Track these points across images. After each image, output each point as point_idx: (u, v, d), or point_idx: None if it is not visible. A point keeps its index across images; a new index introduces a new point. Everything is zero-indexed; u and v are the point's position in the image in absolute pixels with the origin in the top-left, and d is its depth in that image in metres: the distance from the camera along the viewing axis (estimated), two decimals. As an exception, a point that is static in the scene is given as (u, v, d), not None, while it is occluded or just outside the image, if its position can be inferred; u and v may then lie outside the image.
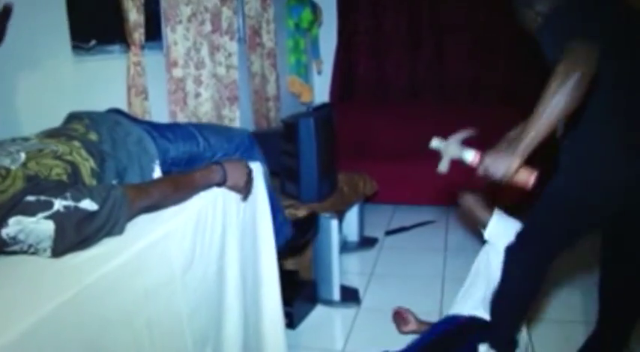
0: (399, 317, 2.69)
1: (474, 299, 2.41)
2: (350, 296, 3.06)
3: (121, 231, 1.35)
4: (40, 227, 1.21)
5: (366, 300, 3.05)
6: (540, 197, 1.88)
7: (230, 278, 1.81)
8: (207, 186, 1.71)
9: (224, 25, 3.16)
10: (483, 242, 2.45)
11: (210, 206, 1.69)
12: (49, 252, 1.23)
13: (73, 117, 1.68)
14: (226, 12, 3.16)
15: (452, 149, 1.81)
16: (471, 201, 2.47)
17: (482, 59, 4.98)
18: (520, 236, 2.00)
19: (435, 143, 1.86)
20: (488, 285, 2.33)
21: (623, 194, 1.76)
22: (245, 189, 1.84)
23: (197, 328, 1.58)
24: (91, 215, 1.27)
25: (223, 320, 1.77)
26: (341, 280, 3.05)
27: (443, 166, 1.84)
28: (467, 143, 1.89)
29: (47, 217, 1.21)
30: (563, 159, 1.82)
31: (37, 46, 2.07)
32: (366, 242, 3.84)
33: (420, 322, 2.65)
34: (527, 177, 1.62)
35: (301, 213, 2.97)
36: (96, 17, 2.62)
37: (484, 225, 2.38)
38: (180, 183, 1.60)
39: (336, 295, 3.01)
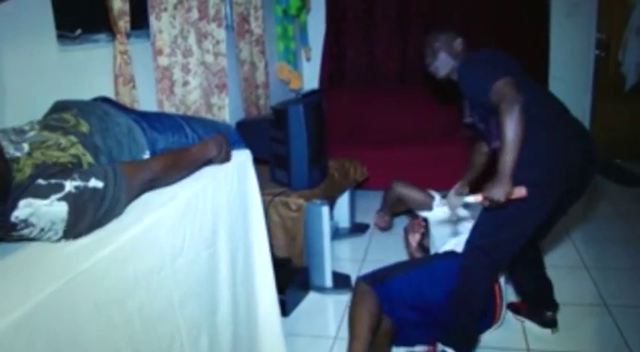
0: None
1: None
2: (342, 282, 3.07)
3: (122, 211, 1.38)
4: (53, 209, 1.22)
5: (359, 286, 3.06)
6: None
7: (222, 266, 1.81)
8: (206, 157, 1.77)
9: (211, 12, 3.13)
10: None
11: (200, 194, 1.68)
12: (60, 234, 1.25)
13: (60, 106, 1.66)
14: (213, -1, 3.13)
15: (455, 201, 2.23)
16: (402, 187, 3.15)
17: (471, 42, 4.97)
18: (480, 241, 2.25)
19: (439, 206, 2.42)
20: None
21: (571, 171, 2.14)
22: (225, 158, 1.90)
23: (189, 314, 1.59)
24: (102, 192, 1.30)
25: (216, 307, 1.78)
26: (333, 266, 3.06)
27: (454, 216, 2.33)
28: None
29: (60, 199, 1.23)
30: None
31: (20, 35, 2.04)
32: (358, 228, 3.85)
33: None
34: (520, 192, 2.01)
35: (292, 200, 2.97)
36: (81, 6, 2.59)
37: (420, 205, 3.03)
38: (179, 156, 1.64)
39: (329, 282, 3.02)
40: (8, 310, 1.00)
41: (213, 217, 1.76)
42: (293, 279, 2.88)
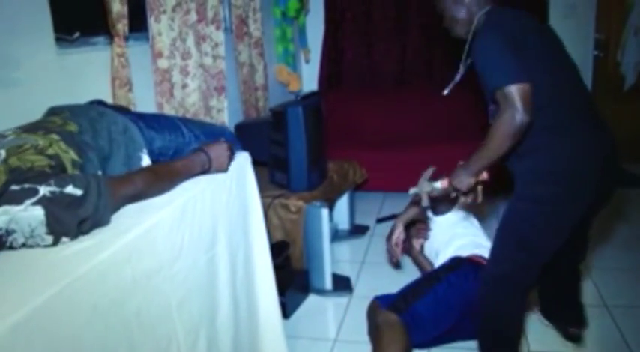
0: None
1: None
2: (342, 284, 3.07)
3: (107, 221, 1.35)
4: (29, 214, 1.21)
5: (358, 288, 3.06)
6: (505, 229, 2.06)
7: (221, 269, 1.80)
8: (191, 174, 1.72)
9: (210, 14, 3.13)
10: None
11: (199, 197, 1.68)
12: (50, 239, 1.23)
13: (53, 111, 1.66)
14: (212, 1, 3.13)
15: (425, 187, 2.15)
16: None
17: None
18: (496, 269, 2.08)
19: (412, 190, 2.20)
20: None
21: (594, 185, 1.94)
22: (228, 167, 1.86)
23: (187, 317, 1.58)
24: (80, 199, 1.27)
25: (216, 310, 1.77)
26: (333, 269, 3.06)
27: (424, 202, 2.15)
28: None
29: (34, 203, 1.21)
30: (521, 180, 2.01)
31: (18, 38, 2.04)
32: (357, 230, 3.85)
33: None
34: (483, 176, 2.00)
35: (292, 202, 2.97)
36: (80, 8, 2.59)
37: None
38: (162, 172, 1.61)
39: (328, 284, 3.02)
40: (6, 313, 1.00)
41: (212, 220, 1.75)
42: (293, 281, 2.87)
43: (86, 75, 2.40)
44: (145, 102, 2.65)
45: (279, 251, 2.82)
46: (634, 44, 4.79)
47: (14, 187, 1.22)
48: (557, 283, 2.45)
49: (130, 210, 1.47)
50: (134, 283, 1.34)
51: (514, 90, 1.75)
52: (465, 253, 2.56)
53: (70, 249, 1.25)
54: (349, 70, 5.28)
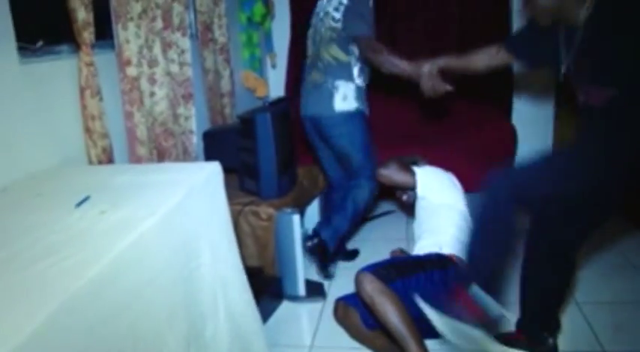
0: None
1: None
2: (315, 290, 3.06)
3: None
4: None
5: (332, 294, 3.05)
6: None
7: (205, 281, 1.81)
8: None
9: (175, 21, 3.09)
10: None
11: (181, 209, 1.68)
12: None
13: None
14: (177, 7, 3.09)
15: None
16: (390, 170, 2.98)
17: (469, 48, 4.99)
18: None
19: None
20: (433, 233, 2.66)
21: None
22: None
23: (178, 331, 1.57)
24: None
25: (204, 323, 1.77)
26: (305, 275, 3.05)
27: None
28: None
29: None
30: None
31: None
32: (329, 235, 3.83)
33: None
34: None
35: (262, 209, 2.95)
36: (42, 16, 2.53)
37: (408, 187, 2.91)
38: None
39: (302, 290, 3.01)
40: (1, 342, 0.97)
41: (194, 232, 1.76)
42: (266, 289, 2.85)
43: (51, 85, 2.34)
44: (110, 112, 2.59)
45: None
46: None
47: None
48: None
49: (113, 224, 1.48)
50: (125, 298, 1.33)
51: None
52: (447, 250, 2.51)
53: (57, 266, 1.24)
54: (315, 75, 5.27)
